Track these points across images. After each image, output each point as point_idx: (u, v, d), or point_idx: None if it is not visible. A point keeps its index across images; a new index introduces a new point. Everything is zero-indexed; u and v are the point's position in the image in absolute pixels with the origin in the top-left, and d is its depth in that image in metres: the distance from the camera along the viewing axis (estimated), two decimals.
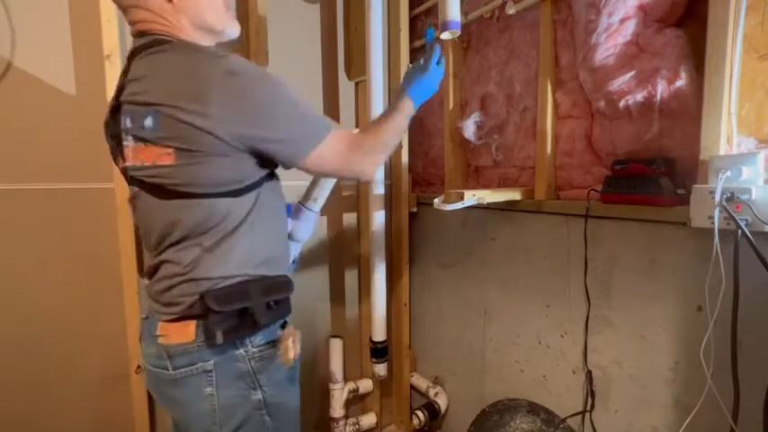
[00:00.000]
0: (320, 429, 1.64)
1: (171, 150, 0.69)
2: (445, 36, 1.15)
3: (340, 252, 1.65)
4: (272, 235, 0.83)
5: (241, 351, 0.77)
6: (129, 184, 0.80)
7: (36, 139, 1.13)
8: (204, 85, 0.67)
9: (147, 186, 0.74)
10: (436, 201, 1.13)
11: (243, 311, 0.76)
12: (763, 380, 0.74)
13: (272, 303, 0.79)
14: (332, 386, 1.57)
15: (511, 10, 1.23)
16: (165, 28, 0.76)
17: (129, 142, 0.73)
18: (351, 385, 1.63)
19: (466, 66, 1.47)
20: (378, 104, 1.43)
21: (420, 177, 1.76)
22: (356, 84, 1.61)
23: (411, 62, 1.54)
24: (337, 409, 1.58)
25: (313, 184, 1.09)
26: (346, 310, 1.68)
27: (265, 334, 0.80)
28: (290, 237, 1.03)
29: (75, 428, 1.23)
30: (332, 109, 1.59)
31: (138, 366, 1.25)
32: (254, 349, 0.78)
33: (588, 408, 1.11)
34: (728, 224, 0.76)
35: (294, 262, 1.07)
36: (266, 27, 1.32)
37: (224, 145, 0.70)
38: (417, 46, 1.62)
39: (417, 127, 1.71)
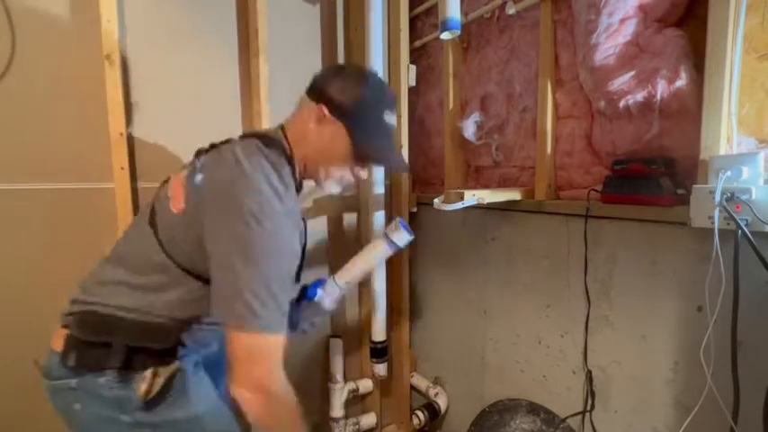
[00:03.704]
0: (320, 429, 1.64)
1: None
2: (445, 36, 1.16)
3: (340, 252, 1.64)
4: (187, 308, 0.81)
5: (102, 379, 0.75)
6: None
7: (36, 139, 1.12)
8: (229, 202, 0.71)
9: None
10: (436, 201, 1.13)
11: (102, 344, 0.75)
12: (763, 380, 0.74)
13: (137, 348, 0.76)
14: (332, 386, 1.57)
15: (511, 10, 1.23)
16: (293, 137, 0.85)
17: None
18: (351, 385, 1.63)
19: (466, 66, 1.47)
20: None
21: (420, 177, 1.76)
22: None
23: (411, 62, 1.55)
24: (337, 409, 1.58)
25: (352, 264, 1.16)
26: (346, 310, 1.68)
27: (131, 370, 0.77)
28: (314, 302, 1.11)
29: None
30: None
31: None
32: (116, 378, 0.76)
33: (588, 408, 1.11)
34: (728, 224, 0.76)
35: (313, 325, 1.15)
36: (266, 27, 1.31)
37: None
38: (417, 46, 1.62)
39: (417, 127, 1.71)
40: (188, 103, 1.29)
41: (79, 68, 1.15)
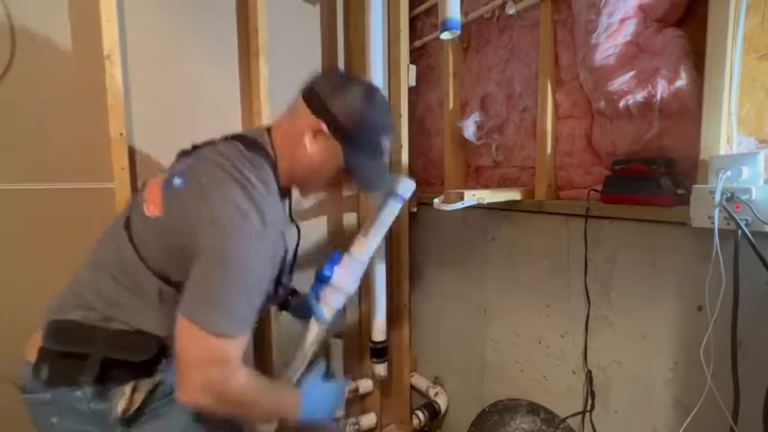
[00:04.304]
0: (320, 429, 1.64)
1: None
2: (445, 36, 1.15)
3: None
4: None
5: (78, 393, 0.72)
6: None
7: (36, 139, 1.12)
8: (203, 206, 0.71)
9: None
10: (436, 201, 1.13)
11: (77, 356, 0.72)
12: (763, 380, 0.74)
13: (114, 360, 0.73)
14: None
15: (511, 10, 1.23)
16: (281, 143, 0.83)
17: None
18: (351, 385, 1.63)
19: (466, 66, 1.47)
20: None
21: (420, 177, 1.76)
22: None
23: (411, 62, 1.55)
24: None
25: (366, 234, 1.06)
26: (346, 310, 1.68)
27: (107, 384, 0.74)
28: (332, 284, 1.03)
29: None
30: None
31: None
32: (94, 390, 0.73)
33: (588, 408, 1.11)
34: (728, 224, 0.76)
35: (339, 315, 1.06)
36: (266, 26, 1.31)
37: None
38: (417, 46, 1.62)
39: (417, 127, 1.71)
40: (188, 103, 1.29)
41: (79, 68, 1.15)
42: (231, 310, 0.69)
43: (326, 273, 1.02)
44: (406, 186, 1.08)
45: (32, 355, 0.75)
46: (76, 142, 1.16)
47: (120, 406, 0.73)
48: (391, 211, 1.07)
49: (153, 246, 0.75)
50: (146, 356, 0.75)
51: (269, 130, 0.85)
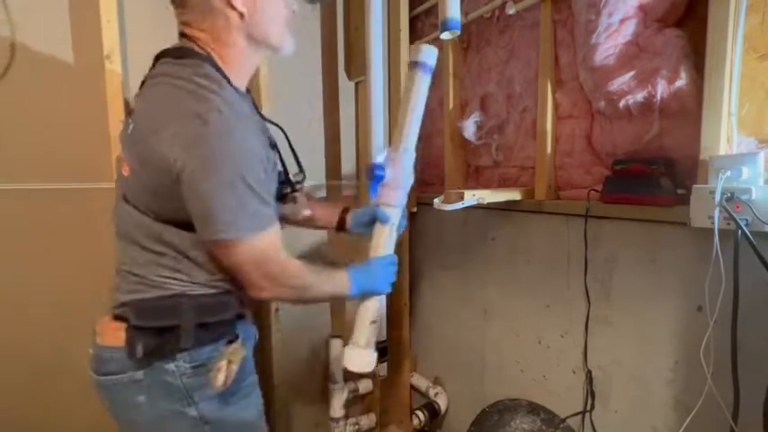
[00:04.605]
0: (320, 429, 1.64)
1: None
2: (445, 36, 1.15)
3: (341, 252, 1.64)
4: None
5: (171, 366, 0.74)
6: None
7: (36, 139, 1.13)
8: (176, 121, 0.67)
9: None
10: (436, 201, 1.13)
11: (169, 329, 0.73)
12: (763, 380, 0.74)
13: (206, 324, 0.75)
14: (332, 386, 1.57)
15: (511, 10, 1.23)
16: (208, 41, 0.76)
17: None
18: (351, 385, 1.63)
19: (466, 66, 1.47)
20: (378, 104, 1.43)
21: (420, 177, 1.76)
22: (356, 84, 1.61)
23: None
24: (337, 409, 1.58)
25: (403, 120, 0.98)
26: (346, 310, 1.68)
27: (203, 352, 0.76)
28: (387, 184, 0.97)
29: (74, 430, 1.23)
30: (332, 109, 1.59)
31: None
32: (187, 365, 0.75)
33: (588, 408, 1.11)
34: (728, 224, 0.76)
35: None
36: None
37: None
38: None
39: None
40: None
41: (79, 68, 1.15)
42: (234, 212, 0.68)
43: (378, 172, 0.97)
44: (428, 53, 0.96)
45: (110, 339, 0.74)
46: (76, 142, 1.16)
47: (220, 379, 0.74)
48: (421, 85, 0.97)
49: (146, 199, 0.74)
50: (228, 316, 0.78)
51: (184, 35, 0.79)
